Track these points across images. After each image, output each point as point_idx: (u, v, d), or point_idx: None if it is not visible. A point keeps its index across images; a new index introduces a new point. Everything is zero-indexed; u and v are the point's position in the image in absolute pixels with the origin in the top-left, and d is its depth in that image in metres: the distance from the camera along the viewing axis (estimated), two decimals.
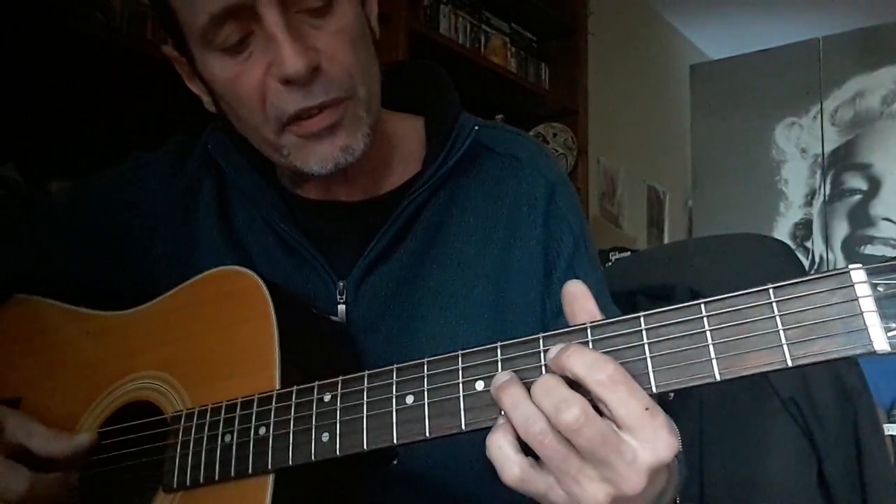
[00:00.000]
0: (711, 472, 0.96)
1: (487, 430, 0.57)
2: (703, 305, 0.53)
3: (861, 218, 3.38)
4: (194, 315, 0.76)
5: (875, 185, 3.36)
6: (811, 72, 3.55)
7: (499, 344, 0.58)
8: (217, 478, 0.67)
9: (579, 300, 0.58)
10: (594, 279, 0.88)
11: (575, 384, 0.54)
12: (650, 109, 4.40)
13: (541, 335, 0.57)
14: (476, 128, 0.84)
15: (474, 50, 2.97)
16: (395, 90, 0.89)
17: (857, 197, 3.40)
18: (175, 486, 0.69)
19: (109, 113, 1.95)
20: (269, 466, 0.65)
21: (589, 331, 0.56)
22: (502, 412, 0.55)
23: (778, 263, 1.10)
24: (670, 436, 0.52)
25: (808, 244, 3.49)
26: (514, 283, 0.83)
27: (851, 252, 3.38)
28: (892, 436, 2.37)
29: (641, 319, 0.55)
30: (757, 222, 3.54)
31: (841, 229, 3.42)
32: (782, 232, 3.54)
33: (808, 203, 3.52)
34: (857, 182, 3.41)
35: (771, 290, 0.51)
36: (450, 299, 0.82)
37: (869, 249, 3.35)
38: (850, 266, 0.49)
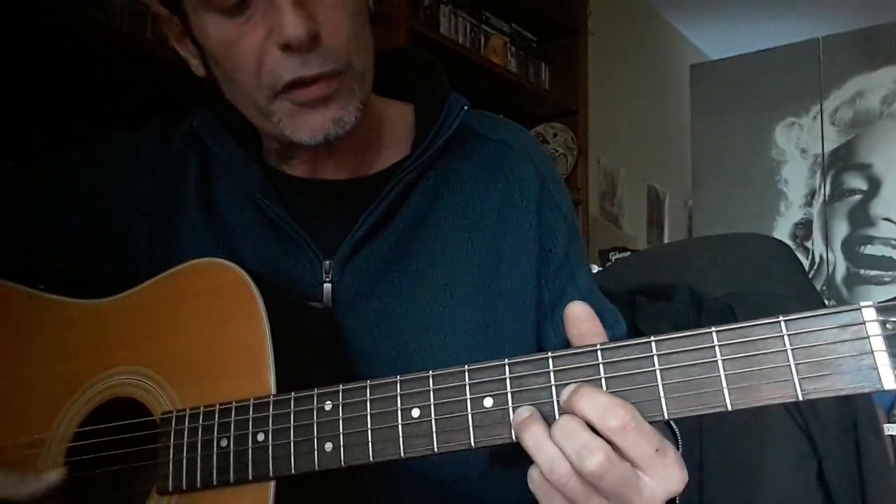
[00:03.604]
0: (710, 471, 0.96)
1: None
2: (714, 334, 0.54)
3: (861, 218, 3.38)
4: (178, 309, 0.74)
5: (875, 185, 3.36)
6: (811, 72, 3.54)
7: (507, 361, 0.58)
8: (216, 483, 0.66)
9: (586, 322, 0.58)
10: (586, 269, 0.89)
11: None
12: (650, 109, 4.40)
13: (550, 354, 0.57)
14: (465, 108, 0.83)
15: (474, 50, 2.97)
16: (385, 78, 0.89)
17: (857, 197, 3.40)
18: (171, 489, 0.68)
19: (109, 113, 1.95)
20: (271, 474, 0.64)
21: (599, 353, 0.56)
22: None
23: (778, 263, 1.10)
24: (680, 471, 0.55)
25: (808, 244, 3.48)
26: (506, 268, 0.83)
27: (851, 252, 3.38)
28: (892, 436, 2.37)
29: (653, 345, 0.55)
30: (757, 222, 3.54)
31: (841, 229, 3.42)
32: (782, 232, 3.54)
33: (808, 203, 3.52)
34: (857, 182, 3.41)
35: (783, 323, 0.52)
36: (439, 281, 0.82)
37: (869, 249, 3.35)
38: (862, 304, 0.51)
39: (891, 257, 3.29)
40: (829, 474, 0.93)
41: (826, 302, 3.03)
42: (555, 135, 3.25)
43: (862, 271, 3.36)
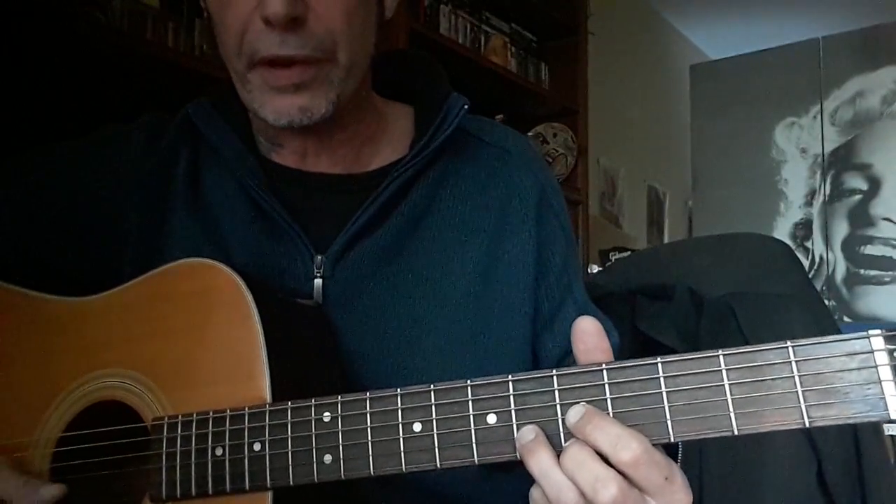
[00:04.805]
0: (710, 470, 0.96)
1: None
2: (722, 357, 0.53)
3: (861, 218, 3.37)
4: (166, 311, 0.72)
5: (875, 185, 3.36)
6: (811, 72, 3.54)
7: (510, 378, 0.57)
8: (211, 492, 0.65)
9: (594, 337, 0.58)
10: (581, 281, 0.90)
11: None
12: (650, 109, 4.40)
13: (554, 372, 0.56)
14: (465, 106, 0.83)
15: (474, 50, 2.97)
16: (386, 80, 0.89)
17: (857, 197, 3.40)
18: (164, 497, 0.66)
19: (109, 112, 1.95)
20: (269, 484, 0.63)
21: (605, 373, 0.55)
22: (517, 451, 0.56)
23: (778, 263, 1.10)
24: (687, 495, 0.55)
25: (808, 244, 3.48)
26: (502, 275, 0.83)
27: (851, 252, 3.38)
28: (892, 436, 2.37)
29: (659, 366, 0.54)
30: (757, 222, 3.54)
31: (841, 229, 3.42)
32: (782, 232, 3.54)
33: (808, 203, 3.51)
34: (857, 182, 3.41)
35: (791, 349, 0.52)
36: (433, 283, 0.81)
37: (869, 249, 3.35)
38: (871, 332, 0.50)
39: (891, 257, 3.29)
40: (829, 474, 0.93)
41: (826, 302, 3.03)
42: (555, 135, 3.25)
43: (862, 271, 3.36)
